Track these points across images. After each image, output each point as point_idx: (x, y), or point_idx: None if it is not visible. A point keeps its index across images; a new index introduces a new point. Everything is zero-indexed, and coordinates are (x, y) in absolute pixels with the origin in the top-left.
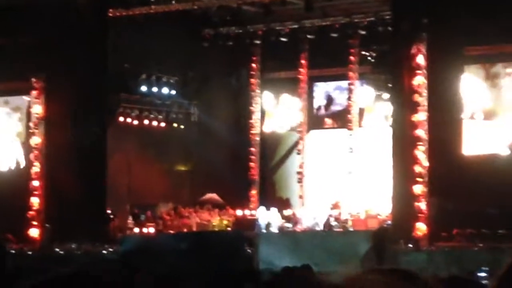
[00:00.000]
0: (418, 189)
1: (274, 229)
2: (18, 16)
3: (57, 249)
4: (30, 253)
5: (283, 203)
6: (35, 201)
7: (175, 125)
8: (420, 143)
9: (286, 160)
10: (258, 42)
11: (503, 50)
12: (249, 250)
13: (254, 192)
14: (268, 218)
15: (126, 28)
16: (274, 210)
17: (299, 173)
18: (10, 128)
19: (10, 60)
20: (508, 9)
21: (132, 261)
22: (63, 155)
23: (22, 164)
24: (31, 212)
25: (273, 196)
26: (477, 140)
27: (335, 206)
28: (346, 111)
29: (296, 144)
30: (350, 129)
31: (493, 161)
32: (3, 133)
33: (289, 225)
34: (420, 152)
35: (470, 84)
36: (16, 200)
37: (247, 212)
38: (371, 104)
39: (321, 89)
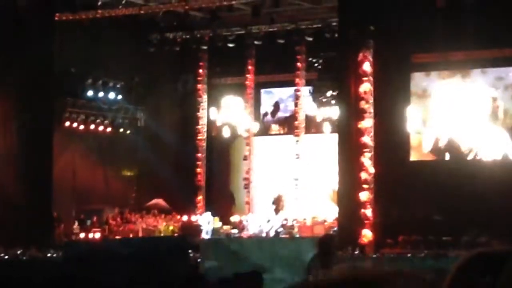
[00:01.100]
0: (364, 195)
1: (219, 235)
2: None
3: (1, 254)
4: None
5: (229, 209)
6: None
7: (121, 130)
8: (366, 149)
9: (233, 166)
10: (205, 47)
11: (448, 57)
12: (194, 256)
13: (200, 197)
14: (213, 224)
15: (72, 32)
16: (218, 216)
17: (245, 179)
18: None
19: None
20: (454, 16)
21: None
22: (7, 159)
23: None
24: None
25: (219, 202)
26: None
27: (277, 201)
28: (292, 117)
29: (242, 149)
30: (296, 135)
31: (437, 167)
32: None
33: (235, 231)
34: (366, 159)
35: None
36: None
37: (193, 217)
38: (317, 111)
39: (268, 96)
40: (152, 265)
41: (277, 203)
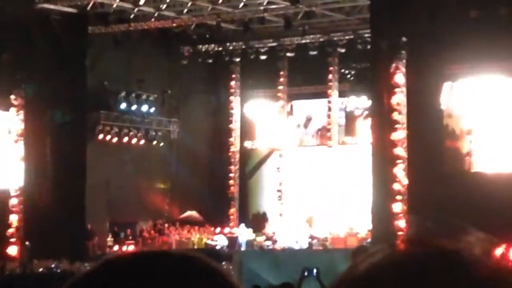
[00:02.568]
0: (397, 207)
1: (253, 246)
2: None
3: (35, 267)
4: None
5: (261, 221)
6: (14, 218)
7: (154, 142)
8: (399, 161)
9: (265, 178)
10: (237, 59)
11: (481, 67)
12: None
13: (233, 210)
14: (247, 235)
15: (105, 45)
16: (251, 228)
17: (278, 190)
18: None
19: None
20: (487, 27)
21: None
22: (41, 172)
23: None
24: (10, 230)
25: (251, 214)
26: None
27: (308, 222)
28: (325, 129)
29: (275, 161)
30: (329, 146)
31: (476, 178)
32: None
33: (269, 243)
34: (400, 170)
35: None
36: None
37: (226, 229)
38: (350, 122)
39: (301, 107)
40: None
41: (309, 222)
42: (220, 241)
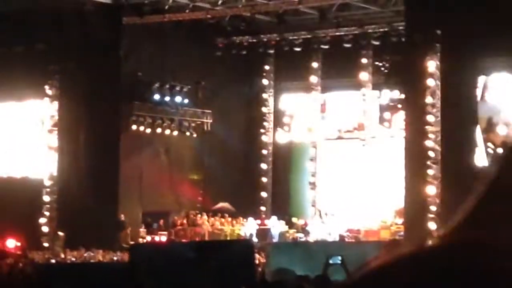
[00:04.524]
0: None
1: (286, 238)
2: (32, 23)
3: (69, 257)
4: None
5: (295, 212)
6: (47, 208)
7: (187, 133)
8: (432, 153)
9: (299, 170)
10: (271, 51)
11: None
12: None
13: (266, 201)
14: (280, 227)
15: (139, 37)
16: (282, 220)
17: (311, 183)
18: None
19: (25, 67)
20: None
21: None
22: (75, 163)
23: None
24: (43, 220)
25: (285, 206)
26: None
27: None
28: (359, 121)
29: (308, 153)
30: (363, 139)
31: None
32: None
33: (301, 235)
34: (432, 162)
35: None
36: (29, 207)
37: (258, 221)
38: (384, 114)
39: (335, 99)
40: (218, 269)
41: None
42: (248, 227)
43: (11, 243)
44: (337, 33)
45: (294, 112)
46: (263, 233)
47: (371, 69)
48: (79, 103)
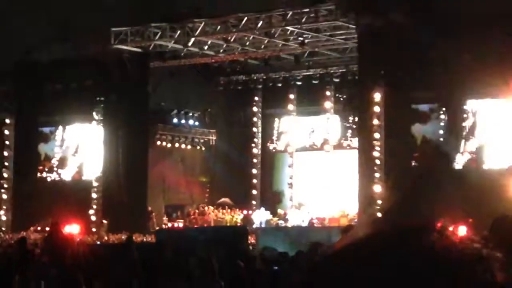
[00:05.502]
0: (378, 194)
1: (270, 224)
2: (84, 66)
3: (111, 239)
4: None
5: (277, 205)
6: (94, 202)
7: (198, 147)
8: (378, 160)
9: (280, 173)
10: (259, 86)
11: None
12: (251, 240)
13: (256, 196)
14: (266, 216)
15: (162, 76)
16: (268, 211)
17: (289, 184)
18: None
19: (77, 99)
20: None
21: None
22: (115, 171)
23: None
24: (92, 211)
25: (270, 199)
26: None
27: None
28: (324, 137)
29: (287, 161)
30: (327, 151)
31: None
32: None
33: (281, 222)
34: (378, 166)
35: None
36: (82, 202)
37: (249, 212)
38: (342, 132)
39: (307, 121)
40: (222, 246)
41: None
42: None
43: (75, 229)
44: (308, 73)
45: (277, 131)
46: (247, 219)
47: (333, 99)
48: (118, 125)
